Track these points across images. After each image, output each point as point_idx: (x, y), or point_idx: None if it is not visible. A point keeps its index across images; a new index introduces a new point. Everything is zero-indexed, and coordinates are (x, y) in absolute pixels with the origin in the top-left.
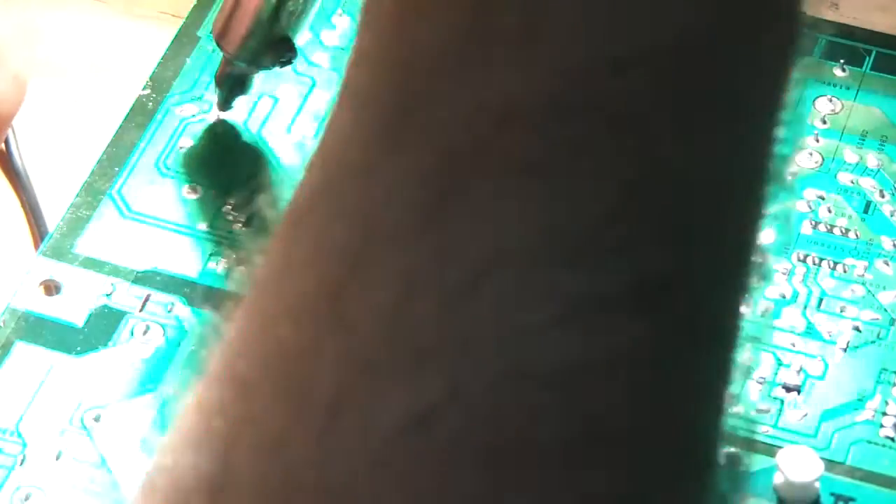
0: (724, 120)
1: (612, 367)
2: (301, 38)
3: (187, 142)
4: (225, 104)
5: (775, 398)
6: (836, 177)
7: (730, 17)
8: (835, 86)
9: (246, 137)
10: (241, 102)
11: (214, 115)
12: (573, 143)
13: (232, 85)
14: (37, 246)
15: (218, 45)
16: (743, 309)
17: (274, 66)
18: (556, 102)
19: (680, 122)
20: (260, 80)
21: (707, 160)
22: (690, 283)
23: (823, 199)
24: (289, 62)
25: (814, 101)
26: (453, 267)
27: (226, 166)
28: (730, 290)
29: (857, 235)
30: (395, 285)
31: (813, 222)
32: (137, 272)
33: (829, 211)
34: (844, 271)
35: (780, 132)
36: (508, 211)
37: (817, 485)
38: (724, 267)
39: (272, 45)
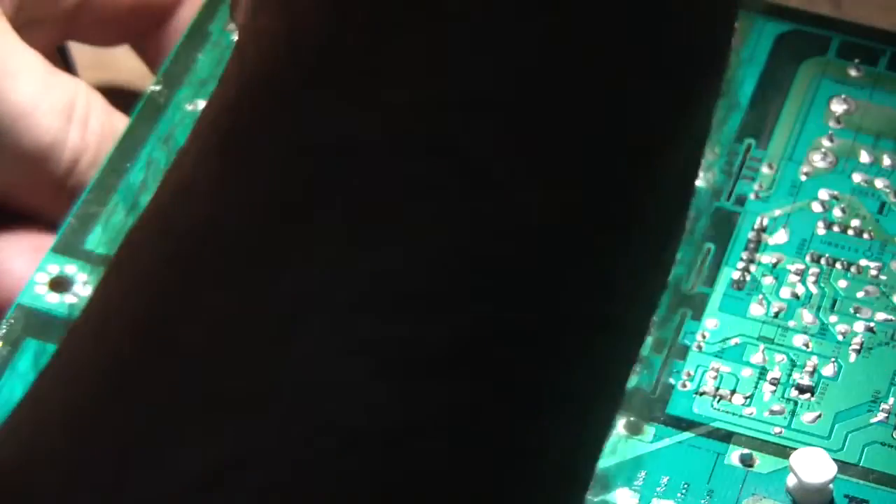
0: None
1: (429, 429)
2: None
3: None
4: None
5: (789, 399)
6: (850, 177)
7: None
8: (849, 85)
9: None
10: None
11: None
12: (413, 182)
13: None
14: None
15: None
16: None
17: None
18: (396, 140)
19: (530, 166)
20: None
21: (561, 207)
22: (520, 341)
23: (837, 199)
24: None
25: (828, 100)
26: (272, 310)
27: None
28: (569, 347)
29: (871, 236)
30: (206, 329)
31: (827, 223)
32: None
33: (843, 211)
34: (858, 272)
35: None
36: (335, 251)
37: (831, 487)
38: (568, 323)
39: None
